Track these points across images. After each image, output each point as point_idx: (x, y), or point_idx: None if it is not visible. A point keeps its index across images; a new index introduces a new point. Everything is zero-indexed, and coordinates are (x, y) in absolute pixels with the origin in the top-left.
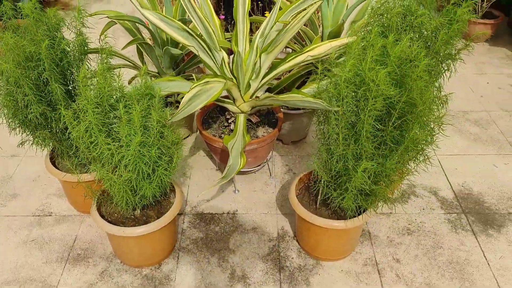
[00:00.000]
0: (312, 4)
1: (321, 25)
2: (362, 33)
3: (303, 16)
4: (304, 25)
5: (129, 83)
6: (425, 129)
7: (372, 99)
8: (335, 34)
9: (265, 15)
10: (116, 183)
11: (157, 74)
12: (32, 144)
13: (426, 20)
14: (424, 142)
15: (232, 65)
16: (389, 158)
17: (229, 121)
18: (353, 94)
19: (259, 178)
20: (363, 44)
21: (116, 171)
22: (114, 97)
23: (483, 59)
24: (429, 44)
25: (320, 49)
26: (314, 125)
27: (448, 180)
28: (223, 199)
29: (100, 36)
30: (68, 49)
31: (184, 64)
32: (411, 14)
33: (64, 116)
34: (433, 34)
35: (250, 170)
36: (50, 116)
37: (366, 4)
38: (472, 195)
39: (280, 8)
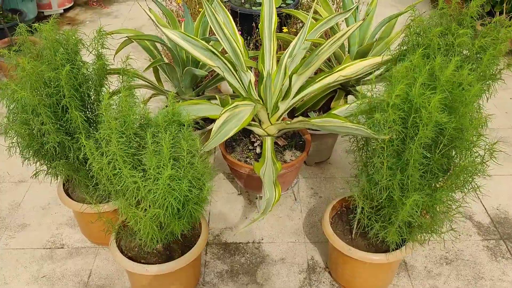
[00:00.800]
0: (338, 23)
1: (347, 44)
2: (397, 53)
3: (338, 38)
4: None
5: (144, 104)
6: (474, 156)
7: (423, 126)
8: (363, 53)
9: (283, 30)
10: (142, 219)
11: (175, 94)
12: (46, 174)
13: (468, 40)
14: (474, 170)
15: (259, 86)
16: (439, 189)
17: (255, 144)
18: (401, 120)
19: (284, 203)
20: (405, 65)
21: (140, 206)
22: (138, 123)
23: (504, 75)
24: (473, 65)
25: (352, 68)
26: (342, 147)
27: (482, 203)
28: (247, 226)
29: (115, 55)
30: (88, 72)
31: (205, 84)
32: (451, 33)
33: (85, 146)
34: (477, 54)
35: None
36: (68, 145)
37: (393, 22)
38: (508, 219)
39: (300, 25)
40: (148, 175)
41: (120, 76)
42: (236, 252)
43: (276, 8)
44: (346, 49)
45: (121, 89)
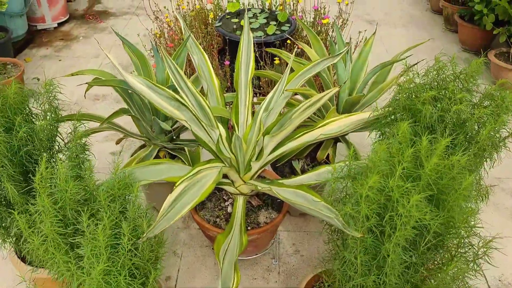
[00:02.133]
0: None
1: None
2: (384, 110)
3: (314, 102)
4: (319, 88)
5: (116, 143)
6: (465, 250)
7: (401, 225)
8: (353, 103)
9: (274, 61)
10: None
11: (147, 139)
12: None
13: (466, 107)
14: (465, 270)
15: (230, 144)
16: None
17: (226, 203)
18: (376, 216)
19: (260, 262)
20: (383, 147)
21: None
22: (81, 199)
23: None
24: (469, 134)
25: (336, 124)
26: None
27: (482, 272)
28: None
29: (85, 93)
30: (33, 131)
31: (180, 128)
32: (447, 97)
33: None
34: (477, 124)
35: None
36: (4, 216)
37: (388, 68)
38: None
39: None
40: (83, 263)
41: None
42: None
43: (270, 35)
44: (336, 96)
45: (66, 151)
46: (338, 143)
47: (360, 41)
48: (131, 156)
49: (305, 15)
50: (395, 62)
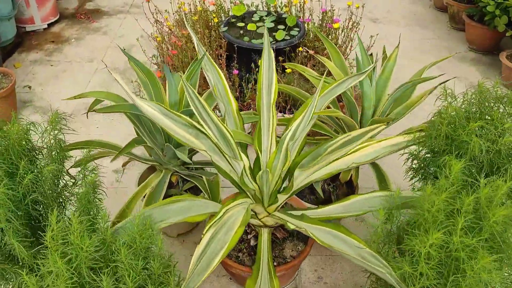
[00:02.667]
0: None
1: (360, 105)
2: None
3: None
4: (341, 107)
5: (123, 166)
6: None
7: (465, 285)
8: (378, 123)
9: (286, 71)
10: None
11: (158, 165)
12: None
13: None
14: None
15: (255, 172)
16: None
17: (249, 235)
18: (436, 274)
19: None
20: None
21: None
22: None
23: None
24: None
25: (368, 150)
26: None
27: None
28: None
29: (88, 112)
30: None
31: (194, 152)
32: (494, 126)
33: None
34: None
35: None
36: (10, 275)
37: (414, 84)
38: None
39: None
40: None
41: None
42: None
43: (279, 41)
44: (360, 112)
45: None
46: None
47: (371, 45)
48: (139, 183)
49: (312, 17)
50: (425, 81)
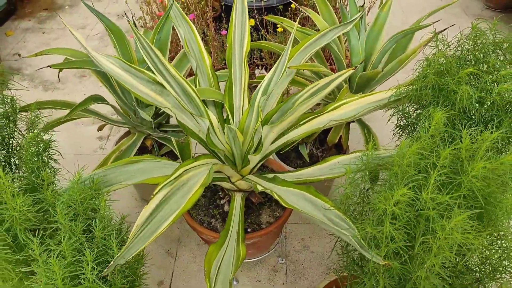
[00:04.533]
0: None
1: (349, 61)
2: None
3: (322, 85)
4: (327, 59)
5: (98, 130)
6: None
7: (437, 249)
8: (368, 79)
9: (277, 30)
10: None
11: (131, 127)
12: None
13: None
14: None
15: (226, 131)
16: None
17: (223, 200)
18: (404, 235)
19: (265, 261)
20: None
21: None
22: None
23: None
24: None
25: (349, 107)
26: (339, 181)
27: None
28: None
29: (58, 75)
30: None
31: (167, 114)
32: (488, 71)
33: None
34: None
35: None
36: None
37: (408, 37)
38: None
39: (297, 41)
40: None
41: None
42: None
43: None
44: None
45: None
46: (352, 123)
47: (373, 4)
48: (116, 143)
49: None
50: (419, 29)
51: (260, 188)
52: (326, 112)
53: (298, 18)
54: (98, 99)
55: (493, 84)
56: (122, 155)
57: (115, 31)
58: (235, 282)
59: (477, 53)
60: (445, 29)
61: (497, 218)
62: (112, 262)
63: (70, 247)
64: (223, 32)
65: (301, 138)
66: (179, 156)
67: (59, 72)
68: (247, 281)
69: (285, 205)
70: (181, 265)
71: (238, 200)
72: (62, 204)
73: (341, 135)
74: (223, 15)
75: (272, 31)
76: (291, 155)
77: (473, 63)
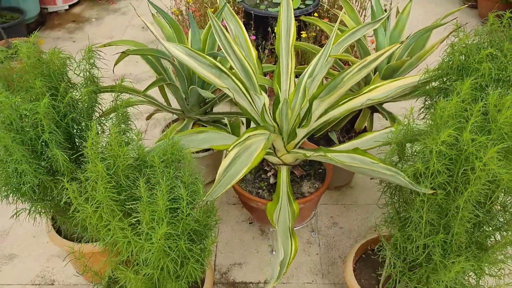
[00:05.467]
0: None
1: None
2: (435, 74)
3: (369, 61)
4: (355, 55)
5: (147, 119)
6: None
7: (474, 180)
8: (394, 69)
9: (301, 35)
10: (133, 281)
11: (180, 112)
12: (28, 215)
13: None
14: None
15: (275, 110)
16: (489, 249)
17: (268, 173)
18: (447, 171)
19: (300, 235)
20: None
21: (132, 263)
22: (131, 162)
23: None
24: None
25: (382, 90)
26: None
27: None
28: (258, 262)
29: (113, 68)
30: (75, 98)
31: (214, 101)
32: (503, 54)
33: (67, 189)
34: None
35: None
36: (51, 186)
37: (428, 34)
38: None
39: (321, 33)
40: (141, 228)
41: (114, 95)
42: None
43: (295, 9)
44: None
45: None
46: (374, 114)
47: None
48: (163, 131)
49: None
50: (437, 26)
51: (308, 154)
52: (363, 94)
53: (339, 19)
54: (165, 79)
55: (508, 63)
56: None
57: (174, 26)
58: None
59: (492, 41)
60: (465, 24)
61: None
62: (205, 197)
63: (166, 187)
64: (252, 37)
65: (342, 115)
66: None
67: (118, 60)
68: None
69: (339, 164)
70: (224, 239)
71: (284, 171)
72: (157, 154)
73: (365, 125)
74: (251, 22)
75: (297, 38)
76: (320, 143)
77: (489, 47)
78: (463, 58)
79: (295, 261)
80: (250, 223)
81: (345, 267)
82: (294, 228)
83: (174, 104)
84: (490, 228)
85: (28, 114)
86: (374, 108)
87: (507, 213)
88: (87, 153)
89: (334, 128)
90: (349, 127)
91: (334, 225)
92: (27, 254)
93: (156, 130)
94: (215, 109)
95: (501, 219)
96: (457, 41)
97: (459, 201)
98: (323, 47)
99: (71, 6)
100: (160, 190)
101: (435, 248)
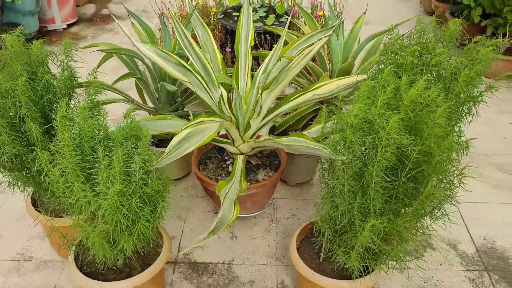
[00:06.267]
0: (320, 39)
1: (330, 61)
2: (373, 72)
3: (307, 53)
4: (313, 60)
5: (125, 117)
6: (443, 182)
7: (382, 148)
8: (345, 71)
9: (273, 47)
10: (91, 235)
11: (154, 110)
12: (8, 185)
13: (445, 59)
14: (442, 196)
15: (231, 103)
16: (402, 215)
17: (227, 162)
18: (360, 141)
19: (259, 224)
20: (373, 85)
21: (94, 221)
22: (97, 138)
23: (505, 97)
24: (448, 85)
25: (327, 87)
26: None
27: (468, 231)
28: (218, 246)
29: (95, 69)
30: (53, 83)
31: (183, 100)
32: (428, 52)
33: (39, 158)
34: (453, 75)
35: (250, 216)
36: (27, 158)
37: (379, 40)
38: (495, 250)
39: (286, 43)
40: (99, 190)
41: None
42: (205, 272)
43: (269, 24)
44: (330, 67)
45: (84, 102)
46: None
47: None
48: None
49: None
50: (386, 31)
51: (260, 139)
52: (310, 90)
53: (287, 25)
54: (134, 74)
55: (432, 58)
56: None
57: (148, 31)
58: (234, 238)
59: (420, 40)
60: (404, 34)
61: (426, 133)
62: (154, 163)
63: (123, 156)
64: (228, 49)
65: (291, 109)
66: None
67: (100, 62)
68: (244, 238)
69: (283, 146)
70: (189, 226)
71: (240, 159)
72: (119, 129)
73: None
74: (228, 36)
75: (269, 49)
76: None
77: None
78: (395, 56)
79: (253, 245)
80: (215, 213)
81: (290, 244)
82: (253, 214)
83: (150, 104)
84: (406, 199)
85: (9, 92)
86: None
87: (419, 185)
88: (57, 125)
89: (293, 128)
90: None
91: (292, 216)
92: (10, 234)
93: None
94: (186, 108)
95: (414, 191)
96: (389, 41)
97: (370, 168)
98: (274, 47)
99: (69, 26)
100: (116, 155)
101: (355, 214)
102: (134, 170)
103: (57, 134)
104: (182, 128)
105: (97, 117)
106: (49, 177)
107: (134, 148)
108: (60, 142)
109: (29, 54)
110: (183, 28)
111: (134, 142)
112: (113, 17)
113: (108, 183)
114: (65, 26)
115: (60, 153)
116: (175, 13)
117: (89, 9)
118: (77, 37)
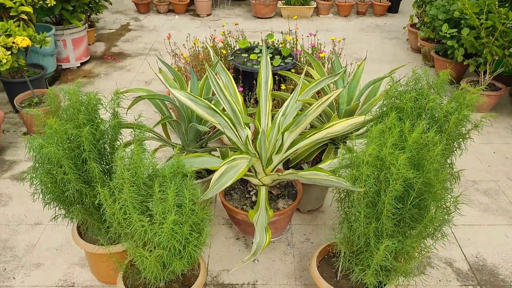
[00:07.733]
0: (333, 89)
1: (336, 102)
2: (377, 113)
3: (324, 101)
4: None
5: (152, 154)
6: (441, 208)
7: (392, 181)
8: (350, 112)
9: (281, 87)
10: (148, 259)
11: (181, 147)
12: (64, 217)
13: (437, 104)
14: (441, 220)
15: (256, 142)
16: (409, 236)
17: (251, 193)
18: (374, 175)
19: (277, 248)
20: (382, 129)
21: (146, 247)
22: (147, 174)
23: (489, 129)
24: (441, 125)
25: (339, 126)
26: (332, 196)
27: (462, 251)
28: (242, 269)
29: (127, 110)
30: (104, 128)
31: (208, 137)
32: (423, 97)
33: (100, 193)
34: (445, 117)
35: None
36: (86, 193)
37: (377, 85)
38: (486, 267)
39: (293, 82)
40: (154, 220)
41: (133, 131)
42: None
43: (276, 66)
44: (336, 107)
45: (133, 142)
46: (339, 150)
47: (352, 71)
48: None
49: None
50: (384, 78)
51: (284, 173)
52: (324, 129)
53: (303, 74)
54: (171, 117)
55: (426, 104)
56: None
57: (178, 77)
58: (256, 261)
59: (416, 87)
60: (401, 79)
61: (427, 168)
62: (202, 196)
63: (174, 190)
64: (240, 89)
65: (308, 145)
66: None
67: (132, 104)
68: (265, 261)
69: (304, 179)
70: (215, 251)
71: (263, 190)
72: (169, 167)
73: (331, 157)
74: (239, 76)
75: (277, 89)
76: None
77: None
78: (395, 100)
79: (273, 267)
80: (236, 238)
81: (310, 264)
82: (272, 240)
83: (174, 140)
84: (412, 222)
85: (74, 138)
86: (337, 145)
87: (422, 210)
88: (117, 165)
89: (305, 161)
90: (318, 160)
91: (307, 240)
92: (51, 263)
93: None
94: (209, 145)
95: (418, 216)
96: (390, 88)
97: (383, 197)
98: (292, 93)
99: (82, 64)
100: (170, 190)
101: (370, 237)
102: (184, 203)
103: (114, 172)
104: (220, 165)
105: (146, 155)
106: (110, 210)
107: (182, 183)
108: (120, 179)
109: (88, 103)
110: (215, 76)
111: (180, 178)
112: (128, 58)
113: (163, 214)
114: (79, 64)
115: (118, 189)
116: (188, 56)
117: (99, 47)
118: (91, 74)
